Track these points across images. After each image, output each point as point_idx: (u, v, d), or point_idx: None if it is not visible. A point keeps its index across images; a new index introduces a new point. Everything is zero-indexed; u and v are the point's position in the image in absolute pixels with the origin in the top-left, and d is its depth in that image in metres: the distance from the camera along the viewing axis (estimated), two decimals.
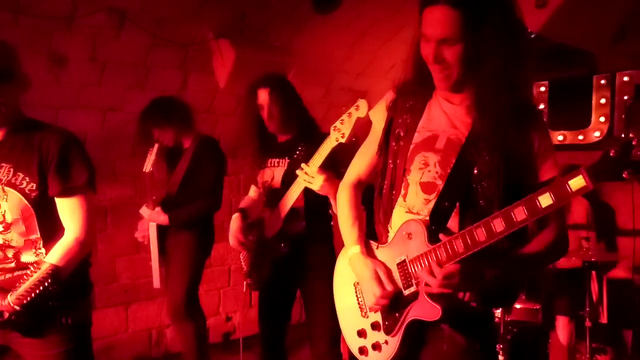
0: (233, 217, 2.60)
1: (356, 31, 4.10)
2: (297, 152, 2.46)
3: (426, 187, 1.48)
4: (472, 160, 1.41)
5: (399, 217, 1.54)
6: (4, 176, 1.74)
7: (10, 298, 1.67)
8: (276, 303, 2.62)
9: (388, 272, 1.53)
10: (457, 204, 1.43)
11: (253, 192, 2.74)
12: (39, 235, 1.77)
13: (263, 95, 2.49)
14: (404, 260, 1.48)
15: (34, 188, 1.74)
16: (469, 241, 1.33)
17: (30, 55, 2.95)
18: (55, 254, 1.73)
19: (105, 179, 3.60)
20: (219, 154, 3.14)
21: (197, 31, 3.52)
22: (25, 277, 1.70)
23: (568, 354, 3.30)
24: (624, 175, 1.13)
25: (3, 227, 1.76)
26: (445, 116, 1.50)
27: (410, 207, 1.51)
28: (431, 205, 1.46)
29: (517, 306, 3.12)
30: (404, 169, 1.52)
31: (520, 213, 1.26)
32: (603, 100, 3.94)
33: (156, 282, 3.07)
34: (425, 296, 1.41)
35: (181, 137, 3.12)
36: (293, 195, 2.35)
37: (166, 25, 3.35)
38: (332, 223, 2.63)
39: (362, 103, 2.07)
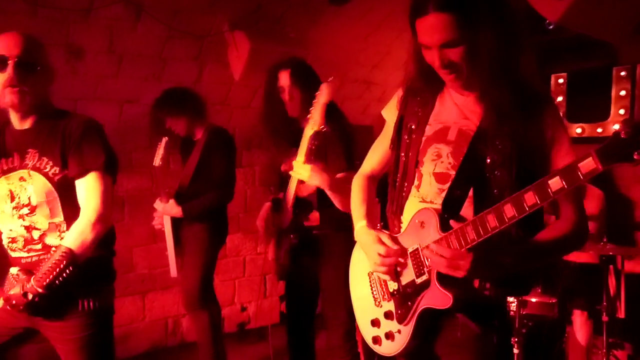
0: (265, 205, 2.67)
1: (371, 23, 4.07)
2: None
3: (440, 177, 1.50)
4: (484, 149, 1.41)
5: (412, 206, 1.55)
6: (30, 161, 1.82)
7: (34, 280, 1.74)
8: (299, 293, 2.64)
9: (400, 260, 1.53)
10: (470, 192, 1.44)
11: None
12: (62, 219, 1.83)
13: (284, 77, 2.49)
14: (417, 249, 1.49)
15: (57, 172, 1.80)
16: (479, 227, 1.32)
17: (48, 47, 2.97)
18: (70, 237, 1.78)
19: (122, 171, 3.59)
20: (230, 145, 3.16)
21: (213, 23, 3.53)
22: (45, 260, 1.77)
23: (587, 352, 3.27)
24: (634, 157, 1.10)
25: (29, 209, 1.83)
26: (456, 107, 1.51)
27: (424, 197, 1.53)
28: (445, 194, 1.47)
29: (533, 300, 3.09)
30: (417, 160, 1.54)
31: (530, 198, 1.25)
32: (623, 93, 3.88)
33: (173, 272, 3.11)
34: (437, 284, 1.42)
35: (194, 127, 3.14)
36: (291, 187, 2.36)
37: (182, 17, 3.37)
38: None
39: (323, 87, 2.11)
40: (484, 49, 1.35)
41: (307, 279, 2.57)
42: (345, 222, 2.54)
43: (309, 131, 2.18)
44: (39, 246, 1.84)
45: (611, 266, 3.19)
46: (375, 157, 1.78)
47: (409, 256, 1.52)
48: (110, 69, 3.40)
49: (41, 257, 1.83)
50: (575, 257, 3.34)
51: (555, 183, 1.21)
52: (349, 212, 1.86)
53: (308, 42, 3.84)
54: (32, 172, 1.81)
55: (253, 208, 4.36)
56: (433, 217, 1.44)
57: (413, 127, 1.56)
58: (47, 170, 1.80)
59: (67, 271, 1.73)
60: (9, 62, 1.72)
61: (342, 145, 2.37)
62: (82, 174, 1.81)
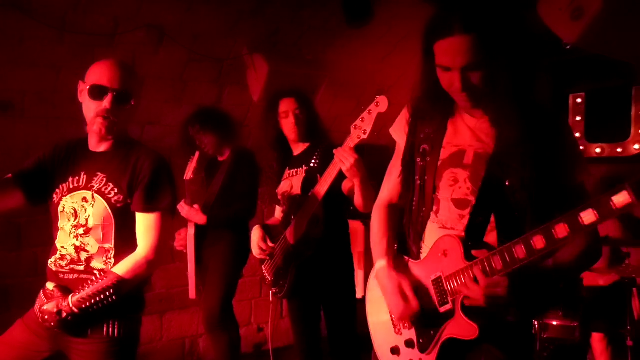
0: (254, 229, 2.64)
1: (388, 44, 4.12)
2: (314, 160, 2.53)
3: (459, 204, 1.47)
4: (502, 173, 1.40)
5: (432, 233, 1.53)
6: (97, 184, 1.85)
7: (72, 299, 1.75)
8: (306, 308, 2.62)
9: (420, 287, 1.51)
10: (492, 217, 1.42)
11: (278, 212, 2.75)
12: (112, 245, 1.84)
13: (288, 103, 2.58)
14: (440, 277, 1.46)
15: (120, 200, 1.83)
16: (507, 258, 1.30)
17: (74, 70, 3.08)
18: (124, 267, 1.80)
19: None
20: (254, 166, 3.18)
21: (232, 46, 3.61)
22: (90, 282, 1.77)
23: None
24: None
25: (84, 230, 1.85)
26: (470, 131, 1.50)
27: (444, 223, 1.50)
28: (466, 220, 1.45)
29: (554, 323, 3.03)
30: (434, 186, 1.52)
31: (562, 230, 1.22)
32: None
33: (192, 293, 3.10)
34: (462, 314, 1.39)
35: (222, 147, 3.19)
36: (315, 197, 2.35)
37: (202, 41, 3.45)
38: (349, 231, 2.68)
39: (382, 99, 2.13)
40: (504, 72, 1.36)
41: (311, 294, 2.56)
42: (346, 239, 2.62)
43: (354, 140, 2.18)
44: (82, 267, 1.85)
45: (634, 289, 3.13)
46: (391, 182, 1.74)
47: (431, 284, 1.49)
48: None
49: (82, 276, 1.83)
50: (596, 280, 3.29)
51: (588, 216, 1.18)
52: (367, 211, 1.91)
53: (325, 63, 3.90)
54: (96, 195, 1.83)
55: None
56: (457, 246, 1.42)
57: (427, 149, 1.54)
58: (110, 196, 1.83)
59: (110, 299, 1.75)
60: (108, 94, 1.79)
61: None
62: (148, 211, 1.84)
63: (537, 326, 2.93)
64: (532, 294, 1.39)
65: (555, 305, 1.57)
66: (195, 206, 3.07)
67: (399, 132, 1.69)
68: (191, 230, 3.12)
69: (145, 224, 1.84)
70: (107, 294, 1.74)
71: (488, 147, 1.45)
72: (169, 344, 4.06)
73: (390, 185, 1.75)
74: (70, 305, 1.74)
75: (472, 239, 1.42)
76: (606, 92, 4.07)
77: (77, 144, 1.95)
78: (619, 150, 3.95)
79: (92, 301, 1.74)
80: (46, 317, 1.76)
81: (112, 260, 1.84)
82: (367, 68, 4.26)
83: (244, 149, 3.24)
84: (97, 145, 1.91)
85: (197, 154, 3.11)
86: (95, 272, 1.83)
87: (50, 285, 1.84)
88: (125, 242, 1.84)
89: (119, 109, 1.81)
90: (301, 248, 2.42)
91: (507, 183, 1.39)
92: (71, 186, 1.88)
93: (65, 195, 1.88)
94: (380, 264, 1.63)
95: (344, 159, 2.18)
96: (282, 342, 4.20)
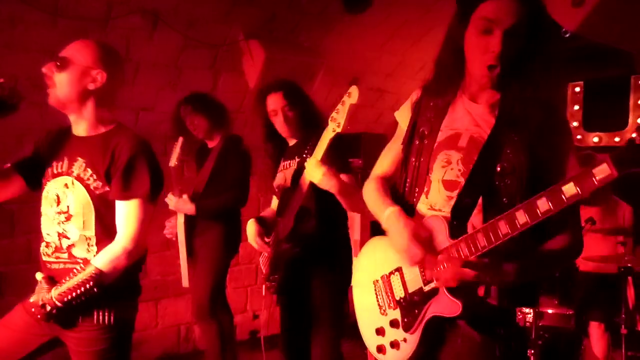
0: (248, 223, 2.52)
1: (386, 32, 4.08)
2: (306, 150, 2.40)
3: (448, 185, 1.49)
4: (495, 157, 1.41)
5: (421, 214, 1.54)
6: (77, 169, 1.81)
7: (54, 293, 1.73)
8: (295, 307, 2.50)
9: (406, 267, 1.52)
10: (479, 201, 1.42)
11: (275, 203, 2.67)
12: (93, 233, 1.81)
13: (276, 100, 2.43)
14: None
15: (99, 186, 1.79)
16: (490, 234, 1.31)
17: None
18: (102, 259, 1.77)
19: None
20: (244, 153, 3.15)
21: (228, 32, 3.56)
22: (71, 274, 1.75)
23: None
24: None
25: (65, 217, 1.83)
26: (469, 115, 1.51)
27: (432, 205, 1.52)
28: (453, 202, 1.46)
29: (549, 311, 3.04)
30: (428, 167, 1.53)
31: (543, 204, 1.23)
32: None
33: (185, 282, 3.09)
34: (445, 291, 1.40)
35: (212, 132, 3.16)
36: (300, 190, 2.25)
37: (198, 27, 3.41)
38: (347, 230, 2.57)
39: (354, 89, 2.03)
40: (531, 53, 1.38)
41: (301, 292, 2.43)
42: (342, 237, 2.50)
43: (329, 133, 2.08)
44: (66, 255, 1.83)
45: (630, 278, 3.14)
46: (387, 160, 1.76)
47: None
48: (126, 77, 3.43)
49: (67, 265, 1.82)
50: (594, 267, 3.30)
51: (569, 189, 1.19)
52: (357, 212, 1.82)
53: (322, 50, 3.86)
54: (75, 181, 1.81)
55: None
56: (442, 225, 1.43)
57: (425, 132, 1.56)
58: (89, 182, 1.80)
59: (92, 292, 1.73)
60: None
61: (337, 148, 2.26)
62: (124, 198, 1.80)
63: (532, 314, 2.94)
64: (513, 280, 1.38)
65: (532, 298, 1.59)
66: (184, 196, 3.03)
67: (403, 115, 1.69)
68: (181, 219, 3.09)
69: (123, 212, 1.80)
70: (87, 286, 1.72)
71: (484, 133, 1.46)
72: (164, 330, 4.06)
73: (385, 163, 1.76)
74: (53, 299, 1.73)
75: (457, 219, 1.42)
76: (605, 82, 4.05)
77: (67, 129, 1.93)
78: (617, 139, 3.95)
79: (73, 294, 1.72)
80: (33, 309, 1.76)
81: (95, 248, 1.81)
82: (365, 55, 4.22)
83: (234, 136, 3.19)
84: (77, 128, 1.88)
85: (180, 139, 3.08)
86: (79, 260, 1.81)
87: (38, 276, 1.82)
88: (106, 230, 1.81)
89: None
90: (290, 244, 2.34)
91: (498, 168, 1.40)
92: (55, 171, 1.86)
93: (49, 180, 1.86)
94: (387, 212, 1.54)
95: (312, 174, 2.12)
96: (277, 329, 4.21)
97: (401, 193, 1.62)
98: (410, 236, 1.44)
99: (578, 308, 3.14)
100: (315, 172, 2.11)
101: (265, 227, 2.50)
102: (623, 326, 3.01)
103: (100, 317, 1.80)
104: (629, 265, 3.01)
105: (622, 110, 3.89)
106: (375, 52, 4.24)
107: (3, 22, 2.86)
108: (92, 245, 1.82)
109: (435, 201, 1.51)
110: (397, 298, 1.55)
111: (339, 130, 2.05)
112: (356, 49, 4.11)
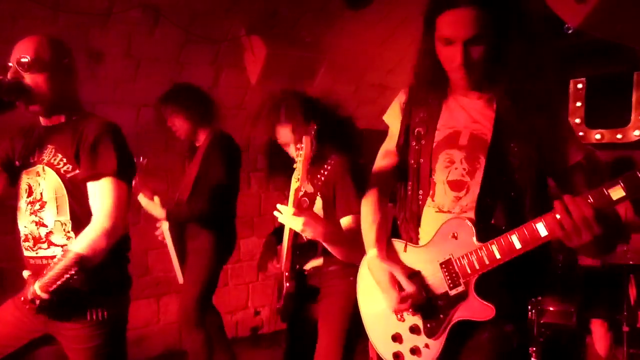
0: (264, 243, 2.35)
1: (387, 28, 4.06)
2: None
3: (454, 185, 1.46)
4: (503, 153, 1.40)
5: (429, 217, 1.51)
6: (46, 156, 1.82)
7: (37, 285, 1.71)
8: (299, 344, 2.29)
9: (426, 271, 1.49)
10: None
11: None
12: (68, 218, 1.81)
13: (285, 134, 2.13)
14: (449, 260, 1.43)
15: (69, 169, 1.80)
16: (527, 236, 1.30)
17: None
18: (81, 242, 1.73)
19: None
20: (231, 152, 2.92)
21: (229, 28, 3.55)
22: (52, 263, 1.73)
23: None
24: None
25: (40, 205, 1.83)
26: (465, 112, 1.49)
27: (440, 207, 1.49)
28: (464, 202, 1.44)
29: (551, 308, 3.04)
30: (430, 168, 1.50)
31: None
32: None
33: (180, 279, 3.00)
34: (476, 295, 1.38)
35: (197, 132, 2.95)
36: (285, 238, 2.06)
37: (199, 22, 3.39)
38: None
39: (305, 140, 1.81)
40: (506, 50, 1.36)
41: (308, 327, 2.20)
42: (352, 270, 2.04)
43: (294, 184, 1.86)
44: (45, 245, 1.83)
45: (632, 275, 3.14)
46: (383, 165, 1.72)
47: (439, 267, 1.46)
48: (128, 73, 3.43)
49: (49, 261, 1.79)
50: (595, 262, 3.29)
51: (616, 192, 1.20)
52: (352, 262, 1.78)
53: (324, 46, 3.85)
54: (46, 168, 1.81)
55: (267, 212, 4.36)
56: (467, 227, 1.40)
57: (422, 132, 1.53)
58: (59, 166, 1.80)
59: (76, 277, 1.70)
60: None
61: (352, 182, 2.00)
62: (94, 178, 1.78)
63: (533, 311, 2.94)
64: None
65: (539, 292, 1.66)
66: (156, 198, 2.81)
67: (392, 117, 1.68)
68: (165, 225, 2.93)
69: (95, 193, 1.78)
70: (71, 272, 1.68)
71: (484, 128, 1.44)
72: (165, 327, 4.06)
73: (381, 170, 1.72)
74: (38, 292, 1.71)
75: (481, 221, 1.41)
76: (607, 78, 4.04)
77: (32, 126, 1.94)
78: (619, 136, 3.94)
79: (58, 282, 1.69)
80: (27, 306, 1.75)
81: (72, 234, 1.80)
82: (366, 51, 4.20)
83: (222, 134, 2.94)
84: (46, 120, 1.89)
85: (143, 161, 2.79)
86: (59, 250, 1.79)
87: (25, 274, 1.82)
88: (81, 215, 1.80)
89: (29, 79, 1.77)
90: (285, 280, 2.11)
91: (509, 163, 1.40)
92: (27, 163, 1.87)
93: (22, 174, 1.88)
94: (371, 254, 1.60)
95: (291, 225, 1.90)
96: (280, 326, 4.22)
97: (404, 197, 1.58)
98: (390, 281, 1.50)
99: (579, 305, 3.14)
100: (294, 224, 1.86)
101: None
102: (625, 324, 3.01)
103: (93, 314, 1.80)
104: (631, 262, 3.00)
105: (624, 107, 3.88)
106: (376, 48, 4.22)
107: (4, 17, 2.84)
108: (68, 231, 1.81)
109: (442, 203, 1.48)
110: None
111: (298, 184, 1.83)
112: (358, 45, 4.09)
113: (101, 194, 1.77)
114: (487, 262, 1.37)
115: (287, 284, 2.08)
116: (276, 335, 4.31)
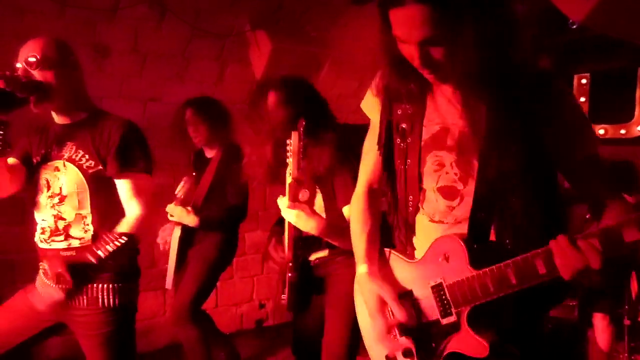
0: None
1: None
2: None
3: (446, 193, 1.29)
4: (499, 154, 1.20)
5: (423, 226, 1.35)
6: (67, 152, 1.90)
7: (90, 253, 1.82)
8: (305, 335, 2.35)
9: (418, 291, 1.33)
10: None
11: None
12: (89, 211, 1.90)
13: (271, 97, 2.20)
14: (440, 284, 1.27)
15: (92, 165, 1.88)
16: (524, 271, 1.12)
17: (76, 46, 3.06)
18: (126, 224, 1.89)
19: None
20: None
21: (234, 22, 3.57)
22: (99, 242, 1.84)
23: (608, 357, 3.23)
24: None
25: (59, 199, 1.90)
26: (452, 105, 1.28)
27: (431, 216, 1.33)
28: (458, 212, 1.28)
29: None
30: (419, 172, 1.32)
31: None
32: None
33: (169, 284, 3.04)
34: (469, 329, 1.22)
35: (212, 141, 3.11)
36: (285, 229, 2.11)
37: (204, 17, 3.41)
38: None
39: (293, 135, 1.91)
40: (469, 46, 1.12)
41: (314, 318, 2.27)
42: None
43: (288, 177, 1.96)
44: (62, 237, 1.90)
45: (633, 271, 3.15)
46: (369, 164, 1.52)
47: (430, 290, 1.29)
48: (134, 67, 3.46)
49: (63, 253, 1.89)
50: None
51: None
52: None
53: (329, 41, 3.86)
54: (67, 163, 1.89)
55: (272, 206, 4.38)
56: (460, 250, 1.22)
57: (406, 128, 1.34)
58: (82, 162, 1.88)
59: (123, 249, 1.84)
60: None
61: (350, 171, 2.01)
62: (124, 175, 1.89)
63: None
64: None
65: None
66: (189, 208, 2.96)
67: (370, 107, 1.47)
68: (177, 232, 3.02)
69: (126, 189, 1.91)
70: (121, 242, 1.83)
71: (476, 124, 1.23)
72: None
73: (367, 169, 1.53)
74: (91, 258, 1.80)
75: (476, 240, 1.23)
76: (611, 73, 4.04)
77: (46, 125, 2.00)
78: (623, 131, 3.94)
79: (108, 248, 1.81)
80: (53, 284, 1.82)
81: (91, 227, 1.89)
82: (371, 45, 4.21)
83: (234, 145, 3.05)
84: (61, 118, 1.95)
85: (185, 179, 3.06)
86: (76, 239, 1.89)
87: (44, 265, 1.88)
88: (101, 208, 1.90)
89: (39, 76, 1.84)
90: (288, 271, 2.15)
91: (504, 168, 1.20)
92: (44, 159, 1.94)
93: (40, 169, 1.95)
94: (361, 270, 1.44)
95: (286, 216, 1.97)
96: (284, 318, 4.26)
97: (393, 204, 1.41)
98: (377, 306, 1.36)
99: (581, 299, 3.16)
100: (289, 216, 1.96)
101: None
102: (626, 317, 3.03)
103: (105, 300, 1.88)
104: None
105: (628, 102, 3.88)
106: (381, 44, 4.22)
107: (13, 12, 2.88)
108: (87, 225, 1.90)
109: (433, 212, 1.32)
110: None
111: (290, 178, 1.95)
112: (363, 40, 4.10)
113: (135, 189, 1.91)
114: (479, 295, 1.20)
115: (290, 275, 2.12)
116: (281, 328, 4.36)
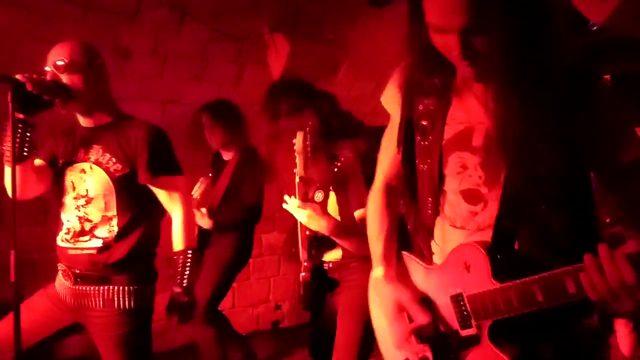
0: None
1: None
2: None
3: (469, 197, 1.21)
4: (527, 161, 1.10)
5: (442, 231, 1.28)
6: (93, 155, 1.94)
7: (177, 290, 2.00)
8: (321, 334, 2.34)
9: (438, 300, 1.25)
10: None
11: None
12: (115, 213, 1.93)
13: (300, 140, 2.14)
14: (460, 295, 1.19)
15: (119, 169, 1.91)
16: (551, 288, 1.03)
17: (98, 49, 3.11)
18: (181, 239, 1.99)
19: None
20: (260, 166, 3.07)
21: (253, 25, 3.60)
22: (175, 267, 2.00)
23: None
24: None
25: (85, 201, 1.94)
26: (479, 103, 1.18)
27: (452, 221, 1.24)
28: (481, 219, 1.19)
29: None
30: (439, 174, 1.24)
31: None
32: None
33: None
34: (490, 343, 1.14)
35: (228, 144, 3.18)
36: (298, 229, 2.13)
37: (223, 20, 3.45)
38: None
39: (298, 136, 1.94)
40: (511, 37, 1.03)
41: (331, 320, 2.24)
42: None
43: (296, 177, 1.99)
44: (87, 237, 1.94)
45: None
46: (387, 160, 1.45)
47: (449, 299, 1.22)
48: (154, 69, 3.51)
49: (84, 252, 1.92)
50: None
51: None
52: (366, 255, 1.54)
53: (346, 43, 3.87)
54: (93, 166, 1.92)
55: None
56: (482, 260, 1.14)
57: (427, 126, 1.26)
58: (109, 165, 1.91)
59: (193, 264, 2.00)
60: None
61: (362, 176, 2.02)
62: (159, 180, 1.94)
63: None
64: None
65: None
66: (203, 209, 3.02)
67: (391, 102, 1.39)
68: None
69: (164, 194, 1.97)
70: (190, 263, 1.98)
71: (505, 125, 1.13)
72: None
73: (386, 164, 1.46)
74: (180, 292, 1.98)
75: (500, 250, 1.15)
76: (633, 75, 3.97)
77: (73, 128, 2.04)
78: None
79: (185, 276, 1.98)
80: (175, 318, 2.05)
81: (115, 228, 1.92)
82: (388, 48, 4.20)
83: (250, 149, 3.16)
84: (87, 121, 1.99)
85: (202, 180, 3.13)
86: (99, 239, 1.91)
87: (62, 266, 1.94)
88: (127, 209, 1.93)
89: (66, 79, 1.88)
90: (308, 268, 2.16)
91: (535, 174, 1.10)
92: (70, 161, 1.98)
93: (66, 171, 1.98)
94: (377, 273, 1.38)
95: (297, 216, 1.99)
96: (300, 319, 4.26)
97: (411, 206, 1.34)
98: (395, 312, 1.30)
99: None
100: (299, 216, 1.98)
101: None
102: None
103: (121, 302, 1.90)
104: None
105: None
106: (398, 46, 4.22)
107: (39, 16, 2.94)
108: (113, 226, 1.93)
109: (454, 217, 1.24)
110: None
111: (298, 178, 1.99)
112: (380, 42, 4.10)
113: (173, 192, 1.98)
114: (503, 309, 1.11)
115: (303, 273, 2.14)
116: (297, 329, 4.36)
